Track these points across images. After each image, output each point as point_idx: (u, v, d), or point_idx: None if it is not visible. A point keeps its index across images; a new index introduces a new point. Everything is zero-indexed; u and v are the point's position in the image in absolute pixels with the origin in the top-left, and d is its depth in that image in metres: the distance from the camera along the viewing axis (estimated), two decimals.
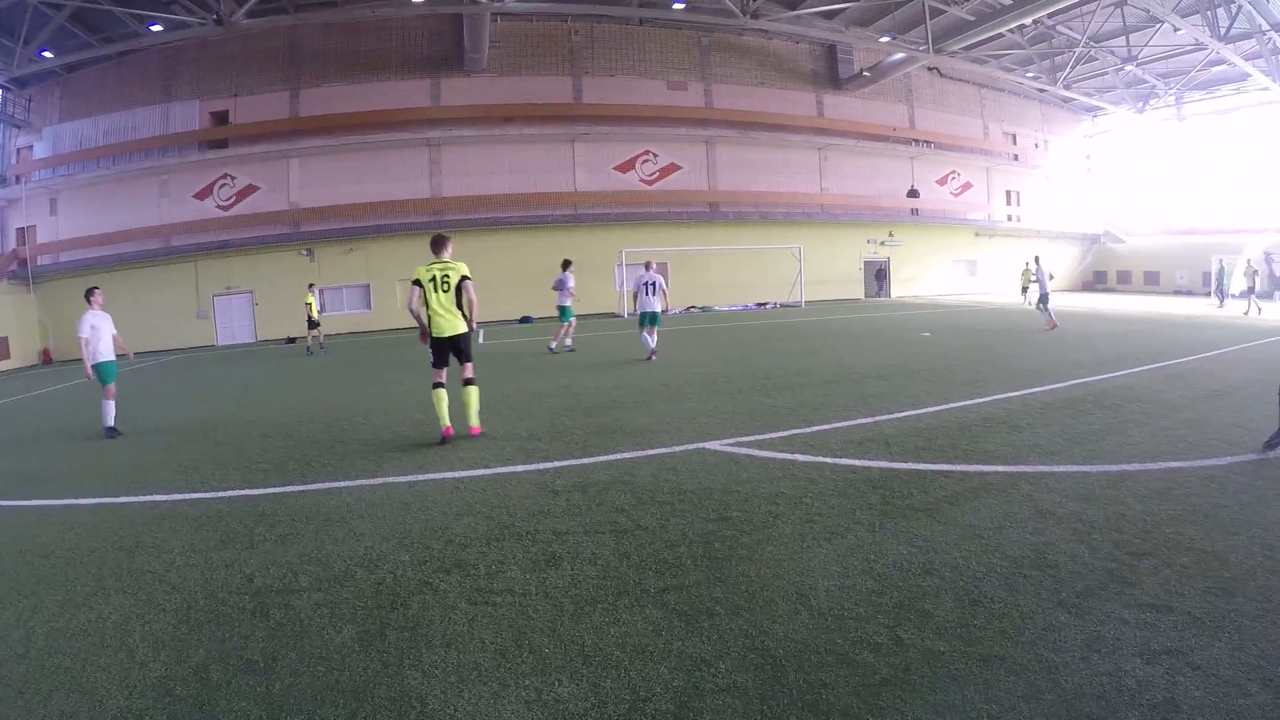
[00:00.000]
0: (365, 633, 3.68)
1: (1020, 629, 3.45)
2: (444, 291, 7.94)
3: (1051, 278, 20.82)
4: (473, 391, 8.18)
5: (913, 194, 39.24)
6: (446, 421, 8.03)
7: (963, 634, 3.42)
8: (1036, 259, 22.42)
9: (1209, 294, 31.96)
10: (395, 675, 3.27)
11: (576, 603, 3.94)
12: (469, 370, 8.20)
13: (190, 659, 3.49)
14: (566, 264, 17.91)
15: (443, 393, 8.05)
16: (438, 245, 8.20)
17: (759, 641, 3.44)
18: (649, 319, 14.83)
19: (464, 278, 7.98)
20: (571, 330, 17.65)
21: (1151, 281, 41.58)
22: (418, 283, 7.97)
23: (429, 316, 7.99)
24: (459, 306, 8.00)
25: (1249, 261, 24.89)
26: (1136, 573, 4.00)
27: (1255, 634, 3.32)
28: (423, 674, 3.27)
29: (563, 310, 17.55)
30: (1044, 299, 19.79)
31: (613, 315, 31.28)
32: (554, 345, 17.54)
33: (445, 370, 8.13)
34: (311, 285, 24.16)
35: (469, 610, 3.89)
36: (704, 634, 3.53)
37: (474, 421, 8.22)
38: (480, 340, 21.94)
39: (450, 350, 8.08)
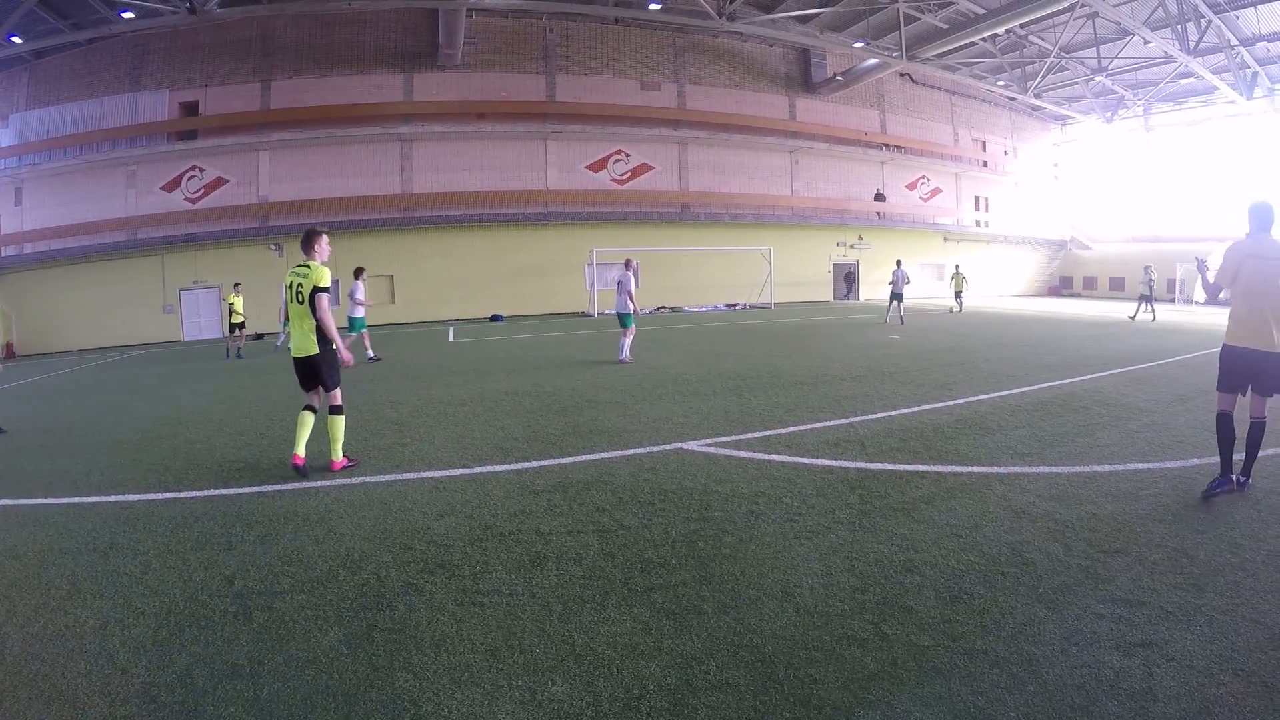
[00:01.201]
0: (352, 635, 3.65)
1: (1000, 624, 3.54)
2: (298, 302, 6.72)
3: (908, 282, 23.43)
4: (336, 422, 6.92)
5: (879, 198, 39.73)
6: (299, 449, 6.75)
7: (945, 629, 3.51)
8: (899, 262, 23.66)
9: (1173, 300, 32.63)
10: (386, 678, 3.25)
11: (564, 602, 3.95)
12: (334, 397, 6.91)
13: (174, 664, 3.42)
14: (359, 272, 16.90)
15: (308, 416, 6.89)
16: (304, 243, 6.93)
17: (748, 639, 3.49)
18: (619, 320, 14.73)
19: (316, 289, 6.64)
20: (368, 339, 16.89)
21: (1117, 287, 42.24)
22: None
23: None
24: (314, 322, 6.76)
25: (1145, 269, 25.29)
26: (1110, 569, 4.13)
27: (1225, 627, 3.45)
28: (414, 676, 3.26)
29: (353, 321, 16.47)
30: (897, 297, 21.33)
31: (583, 315, 31.28)
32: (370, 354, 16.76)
33: (314, 395, 7.00)
34: (237, 285, 22.63)
35: (457, 611, 3.88)
36: (693, 632, 3.58)
37: (335, 455, 6.95)
38: (451, 339, 21.84)
39: (308, 374, 6.91)
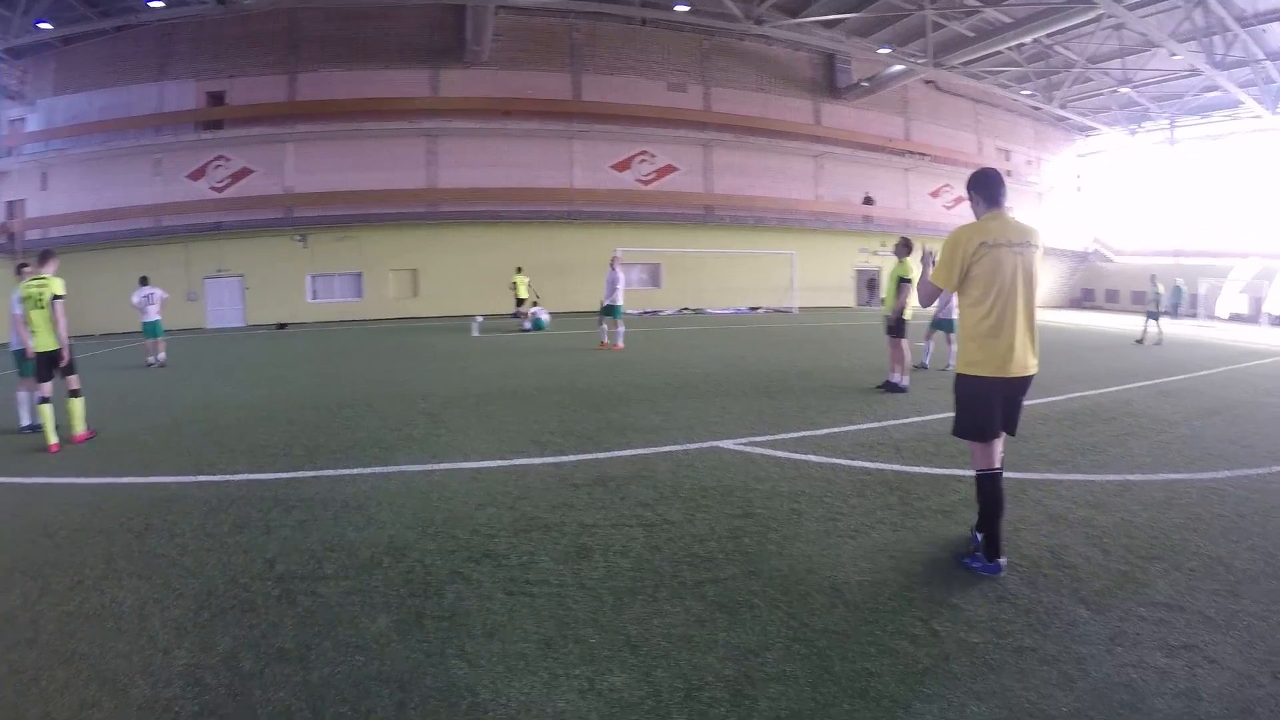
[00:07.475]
0: (401, 621, 3.67)
1: (1046, 623, 3.64)
2: (38, 309, 8.08)
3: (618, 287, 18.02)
4: (76, 403, 8.19)
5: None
6: (53, 438, 7.88)
7: (993, 627, 3.60)
8: (612, 261, 19.05)
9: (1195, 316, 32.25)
10: (439, 665, 3.25)
11: (615, 594, 3.98)
12: (73, 382, 8.23)
13: (217, 646, 3.41)
14: (144, 280, 16.94)
15: (47, 409, 8.01)
16: (41, 259, 8.49)
17: (801, 633, 3.55)
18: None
19: (55, 296, 8.08)
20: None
21: (1139, 301, 41.86)
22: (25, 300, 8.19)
23: (31, 332, 8.19)
24: (53, 324, 8.08)
25: (1151, 278, 21.49)
26: (1149, 574, 4.22)
27: (1263, 632, 3.54)
28: (468, 664, 3.26)
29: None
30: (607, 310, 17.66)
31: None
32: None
33: (50, 385, 8.17)
34: (519, 269, 25.50)
35: (507, 600, 3.90)
36: (747, 625, 3.62)
37: (79, 429, 8.18)
38: (475, 333, 21.95)
39: (51, 365, 8.15)
